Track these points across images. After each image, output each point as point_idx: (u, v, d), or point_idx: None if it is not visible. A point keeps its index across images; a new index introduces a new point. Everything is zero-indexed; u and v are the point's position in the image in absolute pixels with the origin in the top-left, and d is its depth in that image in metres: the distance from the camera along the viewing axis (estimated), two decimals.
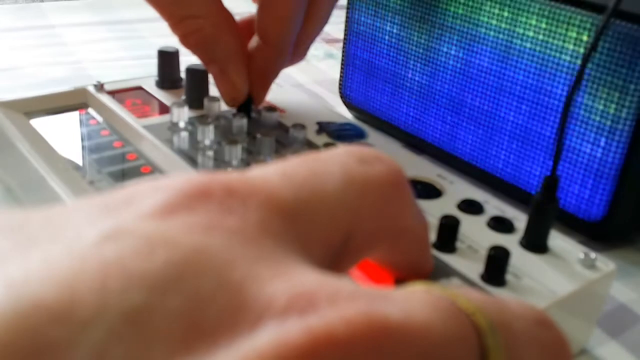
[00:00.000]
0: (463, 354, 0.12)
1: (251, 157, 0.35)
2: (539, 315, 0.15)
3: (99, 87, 0.41)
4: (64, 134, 0.37)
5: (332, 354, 0.10)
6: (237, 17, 0.38)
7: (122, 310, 0.10)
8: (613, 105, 0.34)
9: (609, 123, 0.34)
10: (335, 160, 0.16)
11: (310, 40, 0.40)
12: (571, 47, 0.35)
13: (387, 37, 0.46)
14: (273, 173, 0.15)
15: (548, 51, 0.36)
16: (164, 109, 0.40)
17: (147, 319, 0.10)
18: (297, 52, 0.39)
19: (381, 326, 0.11)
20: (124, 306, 0.10)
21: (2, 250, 0.11)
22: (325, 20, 0.39)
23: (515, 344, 0.13)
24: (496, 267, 0.26)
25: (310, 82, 0.60)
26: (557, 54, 0.36)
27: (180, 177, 0.13)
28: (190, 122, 0.37)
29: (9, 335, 0.09)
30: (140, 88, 0.43)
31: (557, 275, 0.26)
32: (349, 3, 0.48)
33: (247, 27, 0.39)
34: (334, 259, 0.15)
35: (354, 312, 0.11)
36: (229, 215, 0.13)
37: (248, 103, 0.39)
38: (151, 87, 0.43)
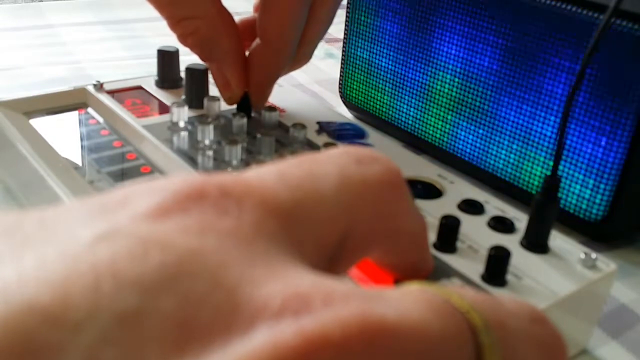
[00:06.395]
0: (458, 352, 0.12)
1: (251, 157, 0.35)
2: (534, 312, 0.15)
3: (99, 86, 0.41)
4: (63, 133, 0.37)
5: (327, 355, 0.10)
6: (237, 17, 0.38)
7: (115, 312, 0.10)
8: (614, 105, 0.34)
9: (609, 123, 0.34)
10: (331, 161, 0.16)
11: (314, 42, 0.39)
12: (572, 46, 0.35)
13: (387, 37, 0.46)
14: (269, 174, 0.15)
15: (549, 51, 0.36)
16: (163, 109, 0.40)
17: (140, 321, 0.10)
18: (300, 54, 0.39)
19: (376, 326, 0.11)
20: (117, 308, 0.10)
21: None
22: (328, 23, 0.39)
23: (510, 341, 0.13)
24: (497, 267, 0.25)
25: (310, 82, 0.60)
26: (558, 54, 0.36)
27: (176, 178, 0.13)
28: (190, 121, 0.37)
29: (1, 337, 0.09)
30: (140, 88, 0.43)
31: (558, 275, 0.26)
32: (349, 3, 0.48)
33: (248, 27, 0.39)
34: (332, 260, 0.15)
35: (349, 313, 0.11)
36: (223, 216, 0.12)
37: (248, 103, 0.39)
38: (151, 86, 0.43)
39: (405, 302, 0.12)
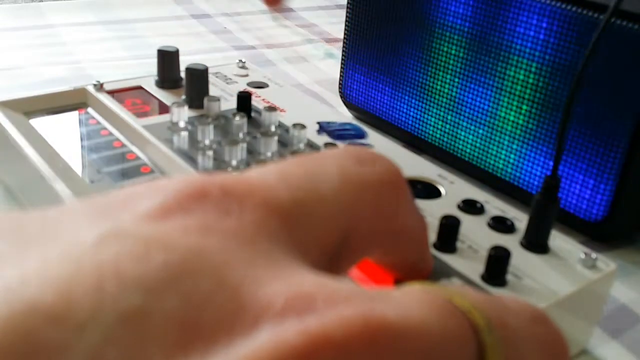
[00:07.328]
0: (460, 352, 0.12)
1: (251, 157, 0.35)
2: (535, 312, 0.15)
3: (99, 86, 0.41)
4: (63, 133, 0.37)
5: (330, 355, 0.10)
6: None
7: (118, 312, 0.10)
8: (614, 105, 0.34)
9: (609, 123, 0.34)
10: (332, 161, 0.16)
11: None
12: (572, 46, 0.35)
13: (387, 37, 0.46)
14: (270, 174, 0.15)
15: (549, 51, 0.36)
16: (164, 109, 0.40)
17: (143, 321, 0.10)
18: None
19: (378, 326, 0.11)
20: (120, 308, 0.10)
21: None
22: None
23: (512, 341, 0.13)
24: (497, 267, 0.25)
25: (310, 82, 0.60)
26: (558, 54, 0.36)
27: (177, 179, 0.13)
28: (190, 121, 0.37)
29: (5, 337, 0.09)
30: (140, 88, 0.43)
31: (558, 275, 0.26)
32: (348, 3, 0.48)
33: None
34: (332, 260, 0.15)
35: (351, 313, 0.11)
36: (225, 216, 0.12)
37: (248, 103, 0.39)
38: (151, 86, 0.43)
39: (407, 302, 0.12)
